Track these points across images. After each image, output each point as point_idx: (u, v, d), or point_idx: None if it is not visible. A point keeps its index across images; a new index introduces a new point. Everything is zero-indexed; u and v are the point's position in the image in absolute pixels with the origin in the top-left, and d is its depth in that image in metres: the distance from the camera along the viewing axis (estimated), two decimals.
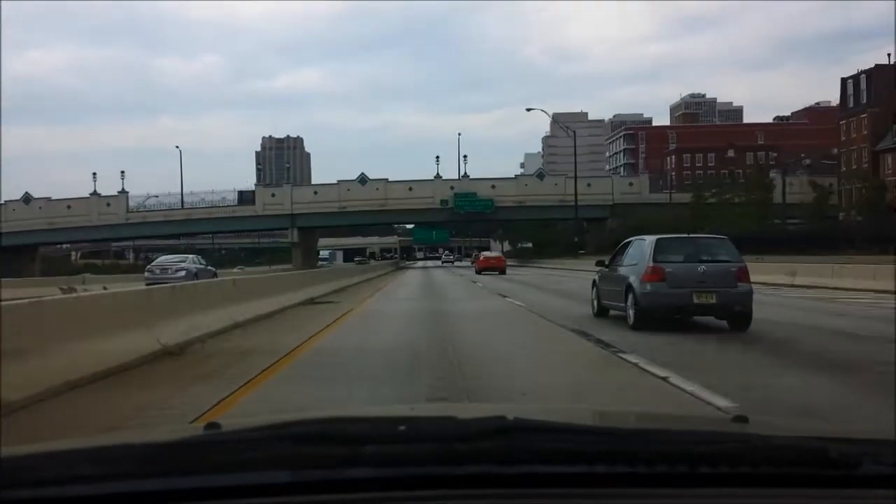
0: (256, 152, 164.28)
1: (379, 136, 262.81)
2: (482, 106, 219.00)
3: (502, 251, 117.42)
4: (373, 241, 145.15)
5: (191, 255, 31.27)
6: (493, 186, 65.55)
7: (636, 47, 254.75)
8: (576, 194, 59.32)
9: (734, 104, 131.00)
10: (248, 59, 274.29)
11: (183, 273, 26.28)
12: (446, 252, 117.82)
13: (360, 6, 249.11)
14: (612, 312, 12.33)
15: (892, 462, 1.29)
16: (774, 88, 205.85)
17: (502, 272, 41.86)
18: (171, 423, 4.86)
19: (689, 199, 60.69)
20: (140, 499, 1.17)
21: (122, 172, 64.92)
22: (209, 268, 29.58)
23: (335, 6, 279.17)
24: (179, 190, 63.32)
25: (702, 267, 11.02)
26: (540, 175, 66.33)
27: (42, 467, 1.28)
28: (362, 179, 65.81)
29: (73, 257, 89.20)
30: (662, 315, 10.77)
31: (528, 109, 53.91)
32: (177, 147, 74.39)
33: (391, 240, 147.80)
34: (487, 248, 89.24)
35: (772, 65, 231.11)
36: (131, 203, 63.66)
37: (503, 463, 1.24)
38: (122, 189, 64.56)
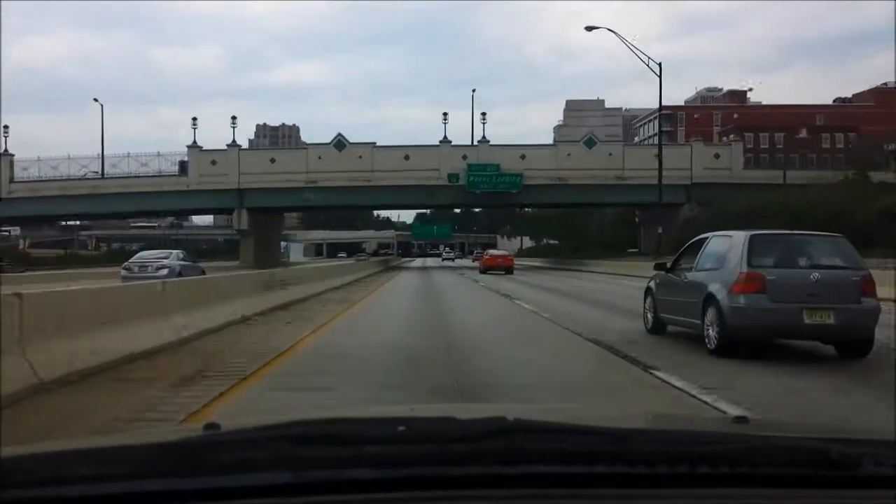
0: (249, 140, 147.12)
1: (379, 130, 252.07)
2: (484, 104, 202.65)
3: (521, 248, 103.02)
4: (367, 236, 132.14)
5: (175, 251, 28.95)
6: (523, 156, 41.62)
7: (640, 46, 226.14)
8: (660, 161, 42.12)
9: (751, 100, 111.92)
10: (248, 52, 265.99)
11: (165, 271, 23.96)
12: (446, 249, 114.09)
13: (362, 4, 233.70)
14: (670, 328, 10.62)
15: (892, 462, 1.32)
16: (779, 90, 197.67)
17: (509, 272, 40.75)
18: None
19: (805, 180, 44.51)
20: (140, 499, 1.18)
21: (6, 128, 43.48)
22: (197, 264, 27.95)
23: (336, 4, 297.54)
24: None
25: (814, 274, 8.64)
26: (588, 142, 42.30)
27: (42, 467, 1.30)
28: (339, 143, 41.97)
29: (20, 245, 77.59)
30: (758, 338, 8.69)
31: (589, 29, 41.95)
32: (95, 100, 52.20)
33: (388, 234, 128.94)
34: (494, 246, 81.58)
35: (778, 66, 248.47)
36: (20, 171, 40.60)
37: (503, 463, 1.25)
38: (5, 150, 41.00)
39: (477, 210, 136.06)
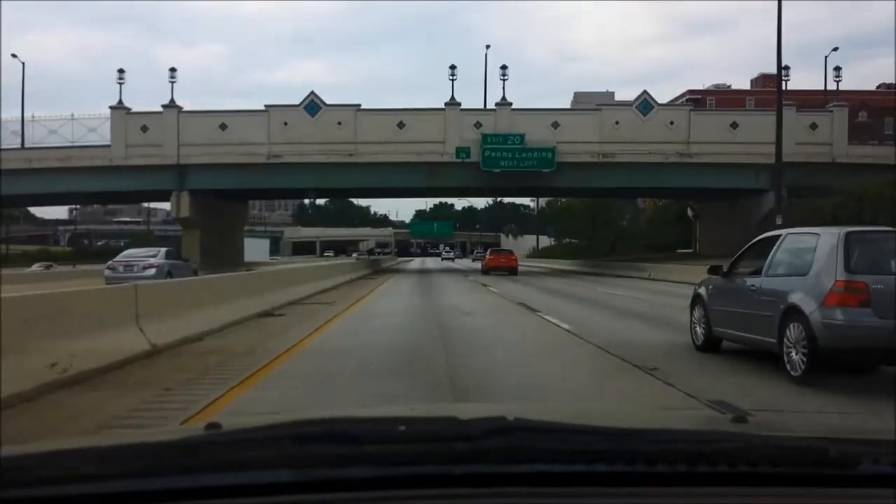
0: None
1: None
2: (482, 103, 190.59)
3: (537, 247, 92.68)
4: (364, 233, 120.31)
5: (163, 249, 27.34)
6: (556, 125, 25.48)
7: (641, 49, 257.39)
8: (779, 115, 29.83)
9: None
10: (249, 50, 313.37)
11: (153, 271, 22.69)
12: (446, 248, 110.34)
13: (363, 4, 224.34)
14: (724, 343, 9.26)
15: (892, 462, 1.36)
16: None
17: (513, 272, 38.26)
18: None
19: None
20: (140, 498, 1.23)
21: None
22: (188, 263, 26.69)
23: (337, 4, 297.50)
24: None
25: None
26: (643, 106, 26.95)
27: (42, 467, 1.34)
28: (311, 104, 26.20)
29: None
30: (861, 361, 7.34)
31: None
32: (13, 56, 38.71)
33: (386, 232, 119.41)
34: (498, 245, 75.67)
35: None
36: None
37: (504, 462, 1.31)
38: None
39: (479, 207, 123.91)
